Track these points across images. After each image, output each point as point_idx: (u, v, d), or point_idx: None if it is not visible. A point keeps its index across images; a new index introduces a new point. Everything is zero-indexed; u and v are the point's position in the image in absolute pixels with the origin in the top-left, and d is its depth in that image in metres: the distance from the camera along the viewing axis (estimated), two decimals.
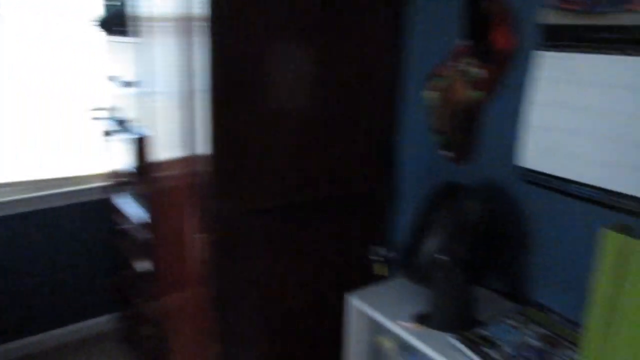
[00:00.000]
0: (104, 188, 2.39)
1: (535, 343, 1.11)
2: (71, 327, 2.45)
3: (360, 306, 1.29)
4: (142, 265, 1.88)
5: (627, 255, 0.84)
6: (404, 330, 1.17)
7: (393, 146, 1.61)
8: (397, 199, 1.65)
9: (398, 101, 1.57)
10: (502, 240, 1.32)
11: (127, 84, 1.90)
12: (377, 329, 1.34)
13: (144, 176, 1.80)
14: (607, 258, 0.87)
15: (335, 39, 1.37)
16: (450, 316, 1.16)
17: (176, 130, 1.44)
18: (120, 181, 2.10)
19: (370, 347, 1.40)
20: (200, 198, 1.35)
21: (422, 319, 1.20)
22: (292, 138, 1.37)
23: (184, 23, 1.29)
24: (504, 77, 1.27)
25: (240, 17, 1.21)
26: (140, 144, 1.77)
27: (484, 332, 1.14)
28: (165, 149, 1.58)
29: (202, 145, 1.28)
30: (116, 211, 2.25)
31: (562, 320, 1.20)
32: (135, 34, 1.70)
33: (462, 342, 1.10)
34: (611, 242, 0.86)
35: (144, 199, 1.86)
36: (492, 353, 1.07)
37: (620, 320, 0.86)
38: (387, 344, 1.31)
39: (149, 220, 1.79)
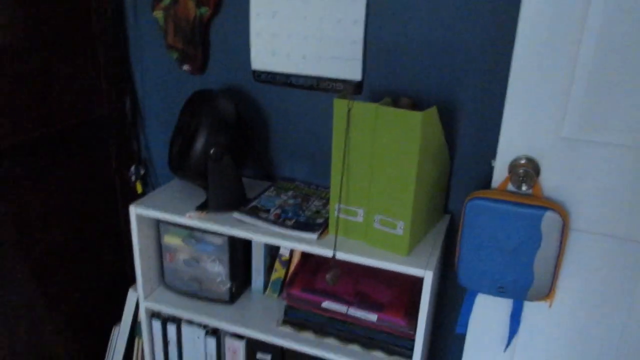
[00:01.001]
0: None
1: (292, 202, 1.45)
2: None
3: (144, 213, 1.42)
4: None
5: (350, 113, 1.20)
6: (191, 220, 1.37)
7: (129, 68, 1.69)
8: (143, 118, 1.76)
9: (129, 23, 1.65)
10: (250, 132, 1.60)
11: None
12: (163, 230, 1.50)
13: None
14: (338, 117, 1.21)
15: None
16: (228, 198, 1.40)
17: None
18: None
19: (159, 249, 1.55)
20: None
21: (205, 207, 1.41)
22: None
23: None
24: None
25: None
26: None
27: (255, 204, 1.42)
28: None
29: None
30: None
31: (306, 185, 1.57)
32: None
33: (244, 214, 1.36)
34: (339, 106, 1.21)
35: None
36: (266, 215, 1.36)
37: (351, 157, 1.23)
38: (174, 241, 1.49)
39: None
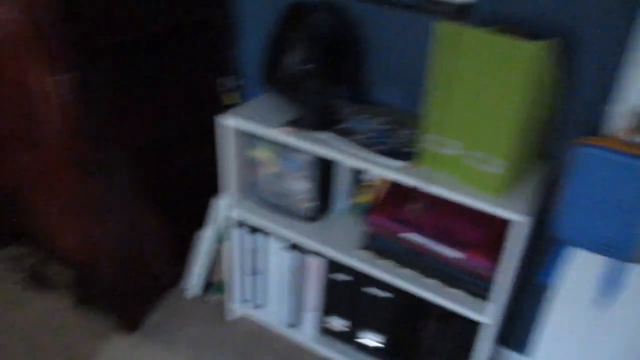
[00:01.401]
0: None
1: (383, 127, 1.40)
2: None
3: (234, 123, 1.43)
4: None
5: (457, 39, 1.10)
6: (281, 135, 1.36)
7: None
8: (238, 27, 1.73)
9: None
10: (346, 50, 1.53)
11: None
12: (249, 144, 1.51)
13: None
14: (441, 43, 1.12)
15: None
16: (319, 117, 1.37)
17: None
18: None
19: (246, 161, 1.57)
20: (47, 41, 1.28)
21: (295, 124, 1.40)
22: None
23: None
24: None
25: None
26: None
27: (346, 126, 1.39)
28: None
29: None
30: None
31: (399, 111, 1.50)
32: None
33: (334, 134, 1.34)
34: (444, 30, 1.11)
35: None
36: (355, 138, 1.33)
37: (451, 86, 1.14)
38: (262, 154, 1.50)
39: None
